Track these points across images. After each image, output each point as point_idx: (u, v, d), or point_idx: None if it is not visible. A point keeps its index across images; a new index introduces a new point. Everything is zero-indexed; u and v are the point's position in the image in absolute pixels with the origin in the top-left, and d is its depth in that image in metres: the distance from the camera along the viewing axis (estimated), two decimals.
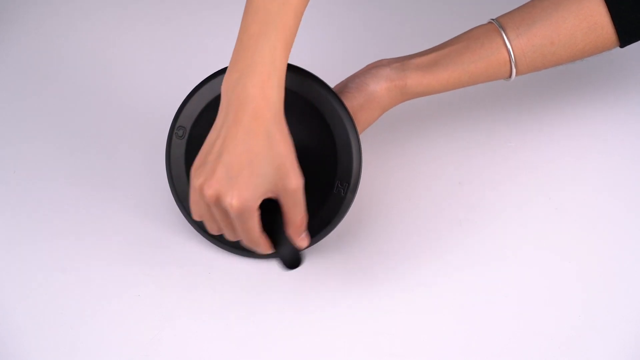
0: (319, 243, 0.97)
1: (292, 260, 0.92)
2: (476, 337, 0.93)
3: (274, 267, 0.99)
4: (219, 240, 1.00)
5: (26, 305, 0.97)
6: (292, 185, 0.87)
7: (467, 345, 0.93)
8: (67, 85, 1.17)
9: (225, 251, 1.00)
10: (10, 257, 1.01)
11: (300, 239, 0.92)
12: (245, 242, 0.92)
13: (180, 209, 1.00)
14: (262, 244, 0.91)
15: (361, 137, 0.99)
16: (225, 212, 0.88)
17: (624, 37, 0.97)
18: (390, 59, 1.01)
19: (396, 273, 0.99)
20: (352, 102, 0.98)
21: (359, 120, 0.98)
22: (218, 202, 0.87)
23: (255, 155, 0.85)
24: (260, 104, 0.85)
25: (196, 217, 0.91)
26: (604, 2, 0.96)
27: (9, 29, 1.23)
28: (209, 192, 0.86)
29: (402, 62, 1.00)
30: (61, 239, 1.02)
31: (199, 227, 1.00)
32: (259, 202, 0.87)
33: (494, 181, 1.05)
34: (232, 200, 0.86)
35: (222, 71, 0.97)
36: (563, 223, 1.01)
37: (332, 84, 1.01)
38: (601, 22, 0.96)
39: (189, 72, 1.12)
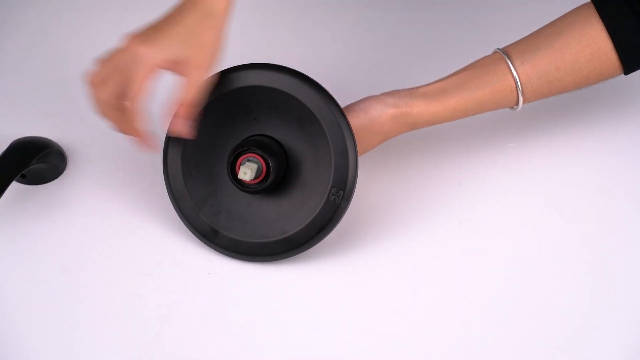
0: (316, 246, 0.97)
1: None
2: (476, 338, 0.93)
3: (273, 269, 0.99)
4: (212, 242, 1.00)
5: (26, 305, 0.97)
6: (200, 68, 0.91)
7: (466, 346, 0.93)
8: (66, 85, 1.17)
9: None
10: (10, 256, 1.01)
11: (177, 122, 0.93)
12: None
13: (175, 208, 1.01)
14: (136, 115, 0.92)
15: None
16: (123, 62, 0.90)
17: (627, 64, 0.97)
18: (401, 89, 1.01)
19: (396, 273, 0.99)
20: (354, 121, 0.98)
21: (359, 143, 0.97)
22: (127, 49, 0.90)
23: (184, 27, 0.90)
24: (206, 1, 0.90)
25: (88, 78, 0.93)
26: (605, 29, 0.96)
27: (9, 29, 1.23)
28: (125, 40, 0.90)
29: (409, 91, 1.00)
30: (60, 238, 1.02)
31: (195, 228, 1.00)
32: (161, 63, 0.90)
33: (494, 181, 1.05)
34: (142, 44, 0.89)
35: (221, 72, 0.97)
36: (563, 223, 1.01)
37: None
38: (604, 48, 0.97)
39: None
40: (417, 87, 1.00)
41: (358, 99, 1.00)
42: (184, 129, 0.94)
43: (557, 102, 1.11)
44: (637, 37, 0.96)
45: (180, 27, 0.90)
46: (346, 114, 0.97)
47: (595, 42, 0.97)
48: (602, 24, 0.96)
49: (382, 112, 0.98)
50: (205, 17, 0.90)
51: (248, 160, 0.95)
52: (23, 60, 1.20)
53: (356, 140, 0.96)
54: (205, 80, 0.93)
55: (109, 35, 1.22)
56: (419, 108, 0.98)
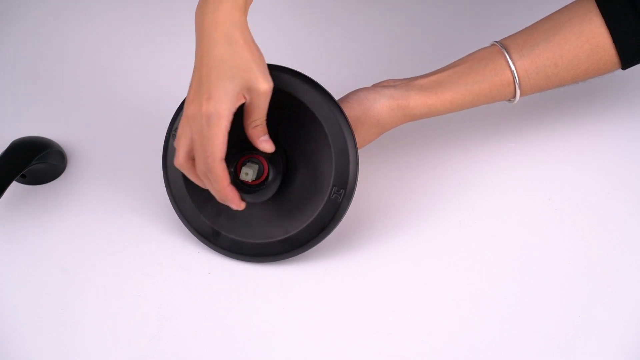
0: (316, 246, 0.97)
1: None
2: (476, 338, 0.93)
3: (272, 268, 0.99)
4: (214, 243, 1.00)
5: (26, 305, 0.97)
6: (261, 88, 0.89)
7: (466, 346, 0.93)
8: (66, 86, 1.17)
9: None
10: (11, 256, 1.01)
11: (263, 140, 0.92)
12: (203, 163, 0.90)
13: (175, 210, 1.01)
14: (220, 169, 0.90)
15: None
16: (199, 126, 0.89)
17: (626, 60, 0.97)
18: (397, 79, 1.01)
19: (396, 272, 0.99)
20: (349, 112, 0.97)
21: (355, 135, 0.97)
22: (196, 114, 0.89)
23: (220, 61, 0.88)
24: (218, 15, 0.88)
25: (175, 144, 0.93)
26: (605, 25, 0.96)
27: (9, 29, 1.23)
28: (190, 108, 0.89)
29: (406, 82, 1.00)
30: (61, 239, 1.02)
31: (196, 230, 1.00)
32: (231, 107, 0.89)
33: (494, 181, 1.05)
34: (203, 103, 0.88)
35: None
36: (562, 224, 1.01)
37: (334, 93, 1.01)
38: (603, 44, 0.97)
39: (188, 73, 1.11)
40: (414, 78, 1.00)
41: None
42: (270, 145, 0.93)
43: (555, 101, 1.11)
44: (636, 32, 0.96)
45: (220, 63, 0.88)
46: (341, 105, 0.97)
47: (594, 37, 0.97)
48: (602, 20, 0.96)
49: (376, 103, 0.98)
50: (230, 31, 0.88)
51: (249, 161, 0.95)
52: (23, 60, 1.20)
53: (355, 134, 0.96)
54: (269, 91, 0.91)
55: (109, 35, 1.22)
56: (416, 101, 0.98)
